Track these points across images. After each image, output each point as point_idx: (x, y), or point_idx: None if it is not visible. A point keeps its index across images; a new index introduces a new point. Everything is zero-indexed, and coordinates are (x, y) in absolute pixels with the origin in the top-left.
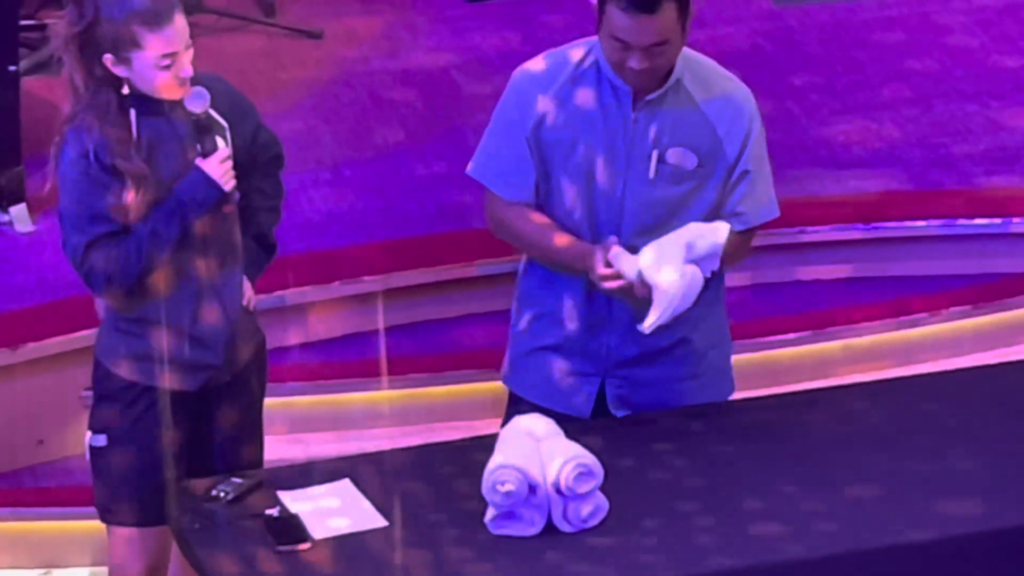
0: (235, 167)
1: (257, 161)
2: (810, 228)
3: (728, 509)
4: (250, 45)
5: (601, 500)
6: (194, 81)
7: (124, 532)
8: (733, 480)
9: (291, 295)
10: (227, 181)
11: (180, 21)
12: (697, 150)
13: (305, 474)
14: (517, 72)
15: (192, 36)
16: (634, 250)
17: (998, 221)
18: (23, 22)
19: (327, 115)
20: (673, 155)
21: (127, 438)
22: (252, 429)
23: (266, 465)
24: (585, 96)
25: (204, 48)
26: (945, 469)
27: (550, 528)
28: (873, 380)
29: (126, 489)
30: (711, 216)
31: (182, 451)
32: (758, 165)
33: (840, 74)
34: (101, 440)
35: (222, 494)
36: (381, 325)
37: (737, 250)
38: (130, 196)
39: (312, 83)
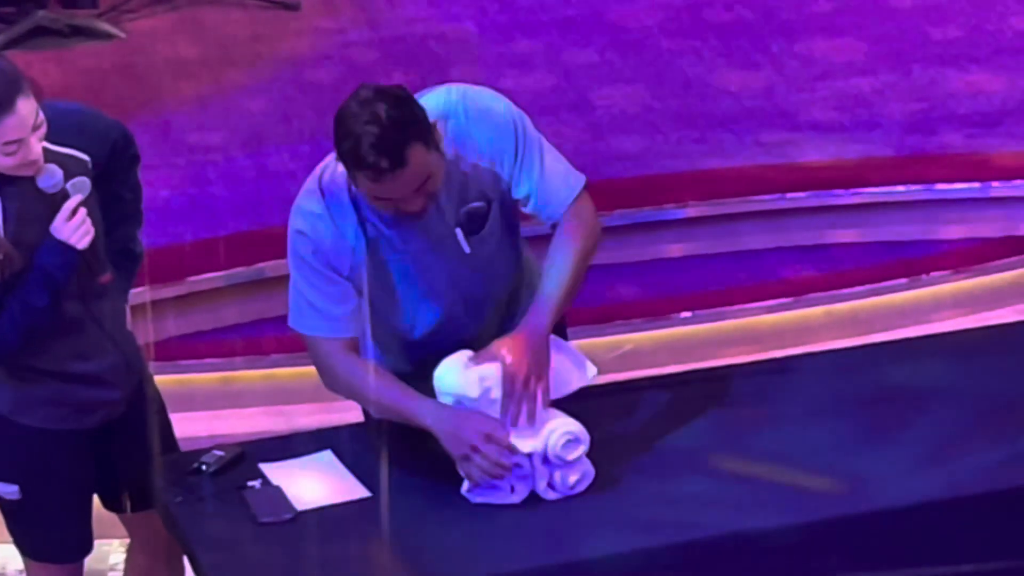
0: (94, 182)
1: (113, 168)
2: (789, 194)
3: (713, 474)
4: (228, 17)
5: (588, 467)
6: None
7: (48, 568)
8: (718, 445)
9: (271, 267)
10: (80, 238)
11: (24, 106)
12: (482, 196)
13: (287, 446)
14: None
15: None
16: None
17: (977, 186)
18: None
19: (305, 87)
20: (467, 215)
21: (42, 487)
22: (166, 441)
23: (248, 437)
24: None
25: (183, 21)
26: (924, 433)
27: (534, 496)
28: (854, 346)
29: (51, 534)
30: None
31: (98, 486)
32: (532, 153)
33: (818, 40)
34: (13, 491)
35: (204, 467)
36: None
37: (587, 224)
38: None
39: (290, 55)
